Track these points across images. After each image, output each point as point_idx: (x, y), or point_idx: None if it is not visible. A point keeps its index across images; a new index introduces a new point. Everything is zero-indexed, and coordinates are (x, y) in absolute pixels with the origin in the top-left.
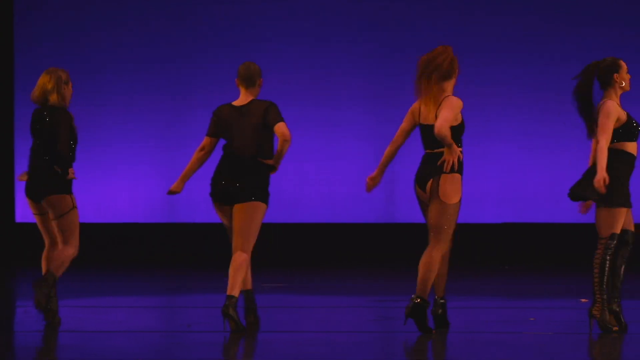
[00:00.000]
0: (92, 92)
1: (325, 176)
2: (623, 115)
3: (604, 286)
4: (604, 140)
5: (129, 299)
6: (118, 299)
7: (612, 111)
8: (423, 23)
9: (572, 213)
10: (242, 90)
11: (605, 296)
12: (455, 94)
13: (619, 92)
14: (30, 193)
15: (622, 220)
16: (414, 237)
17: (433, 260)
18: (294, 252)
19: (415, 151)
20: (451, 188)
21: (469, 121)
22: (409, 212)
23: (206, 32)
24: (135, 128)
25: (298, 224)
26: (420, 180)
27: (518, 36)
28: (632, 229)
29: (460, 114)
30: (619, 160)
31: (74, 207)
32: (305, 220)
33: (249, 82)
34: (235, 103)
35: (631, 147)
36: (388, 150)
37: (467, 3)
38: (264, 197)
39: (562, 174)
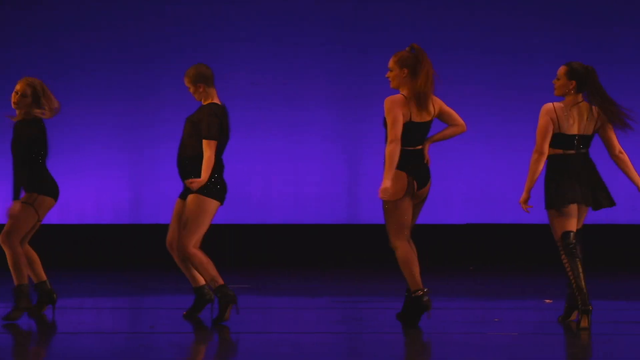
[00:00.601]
0: (57, 94)
1: (291, 177)
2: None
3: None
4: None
5: (95, 301)
6: (84, 300)
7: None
8: (388, 23)
9: (537, 214)
10: (215, 91)
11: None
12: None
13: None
14: None
15: (559, 220)
16: (378, 238)
17: (401, 254)
18: (260, 253)
19: (380, 152)
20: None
21: (434, 121)
22: (372, 213)
23: (172, 33)
24: (102, 130)
25: (264, 224)
26: (424, 180)
27: (485, 36)
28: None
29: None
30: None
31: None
32: (272, 221)
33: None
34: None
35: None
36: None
37: (432, 3)
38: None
39: (525, 174)
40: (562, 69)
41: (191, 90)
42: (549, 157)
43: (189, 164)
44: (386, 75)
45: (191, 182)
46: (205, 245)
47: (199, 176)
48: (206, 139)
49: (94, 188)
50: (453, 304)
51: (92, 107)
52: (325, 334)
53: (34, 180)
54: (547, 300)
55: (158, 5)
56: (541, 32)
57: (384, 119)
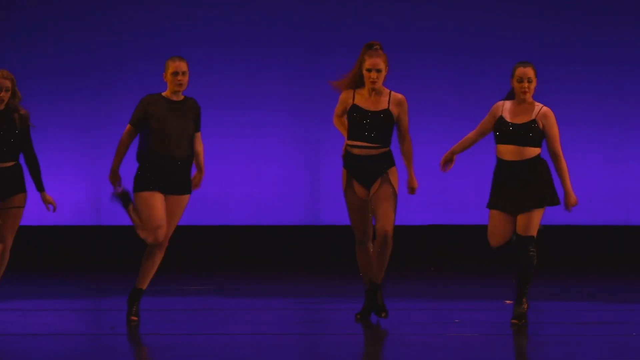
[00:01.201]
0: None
1: (251, 178)
2: (495, 118)
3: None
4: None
5: (55, 302)
6: (44, 302)
7: (488, 114)
8: (346, 24)
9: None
10: None
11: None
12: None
13: (519, 97)
14: None
15: (494, 224)
16: (338, 239)
17: (359, 255)
18: (220, 254)
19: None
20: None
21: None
22: (333, 214)
23: (129, 35)
24: (61, 131)
25: (224, 226)
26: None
27: (441, 36)
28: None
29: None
30: (497, 164)
31: None
32: (232, 223)
33: None
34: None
35: (498, 150)
36: None
37: (389, 3)
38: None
39: (487, 176)
40: (533, 71)
41: (187, 78)
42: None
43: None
44: (374, 76)
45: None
46: (168, 247)
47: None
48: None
49: (54, 190)
50: (413, 305)
51: (51, 109)
52: (286, 335)
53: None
54: (508, 302)
55: (116, 6)
56: (503, 31)
57: (396, 117)
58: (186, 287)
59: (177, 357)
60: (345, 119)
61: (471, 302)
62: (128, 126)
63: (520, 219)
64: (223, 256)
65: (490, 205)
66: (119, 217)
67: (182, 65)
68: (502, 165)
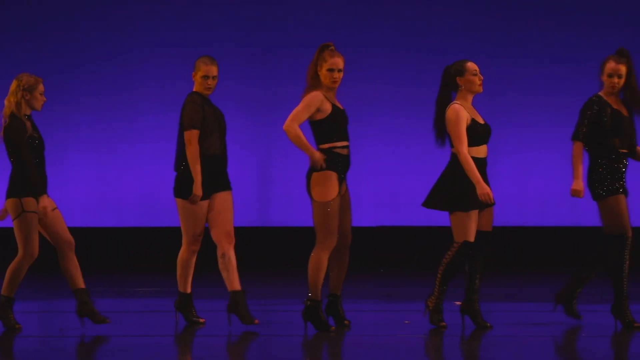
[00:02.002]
0: None
1: None
2: (468, 118)
3: (444, 284)
4: (464, 148)
5: None
6: None
7: (459, 116)
8: (301, 25)
9: (446, 216)
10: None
11: (444, 288)
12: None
13: (469, 95)
14: None
15: (474, 222)
16: (288, 240)
17: (319, 260)
18: (170, 256)
19: (293, 152)
20: (316, 186)
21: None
22: (283, 216)
23: (81, 37)
24: None
25: (175, 227)
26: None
27: (391, 37)
28: (489, 229)
29: (323, 107)
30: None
31: (24, 211)
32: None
33: None
34: None
35: (475, 150)
36: None
37: (337, 4)
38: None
39: (435, 177)
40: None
41: (216, 82)
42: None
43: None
44: (337, 76)
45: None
46: (118, 249)
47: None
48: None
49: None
50: (363, 306)
51: None
52: (239, 336)
53: None
54: (457, 303)
55: (69, 8)
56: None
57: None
58: (137, 289)
59: (127, 359)
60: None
61: (421, 304)
62: (194, 131)
63: (485, 215)
64: (174, 258)
65: (475, 205)
66: (69, 218)
67: (214, 70)
68: (479, 164)
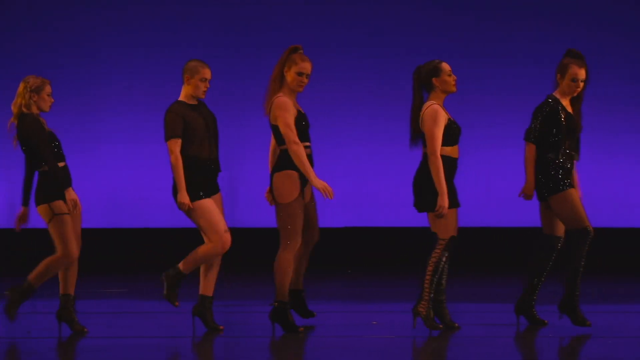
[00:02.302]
0: None
1: (167, 181)
2: (445, 119)
3: (434, 286)
4: (437, 150)
5: None
6: None
7: (439, 117)
8: (258, 27)
9: (413, 217)
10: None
11: (432, 295)
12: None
13: (442, 95)
14: None
15: (455, 219)
16: (255, 241)
17: (285, 262)
18: (135, 257)
19: (261, 155)
20: (281, 187)
21: (315, 121)
22: (250, 216)
23: (43, 38)
24: None
25: (141, 229)
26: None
27: (357, 37)
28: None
29: (295, 111)
30: (443, 165)
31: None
32: (148, 226)
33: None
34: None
35: (451, 150)
36: None
37: (303, 6)
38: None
39: (404, 178)
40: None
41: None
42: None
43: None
44: (306, 81)
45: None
46: (82, 250)
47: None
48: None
49: None
50: (330, 307)
51: None
52: (202, 337)
53: None
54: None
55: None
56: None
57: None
58: (104, 290)
59: None
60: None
61: (388, 304)
62: (175, 140)
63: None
64: (141, 259)
65: (455, 204)
66: (32, 220)
67: (209, 72)
68: (453, 165)
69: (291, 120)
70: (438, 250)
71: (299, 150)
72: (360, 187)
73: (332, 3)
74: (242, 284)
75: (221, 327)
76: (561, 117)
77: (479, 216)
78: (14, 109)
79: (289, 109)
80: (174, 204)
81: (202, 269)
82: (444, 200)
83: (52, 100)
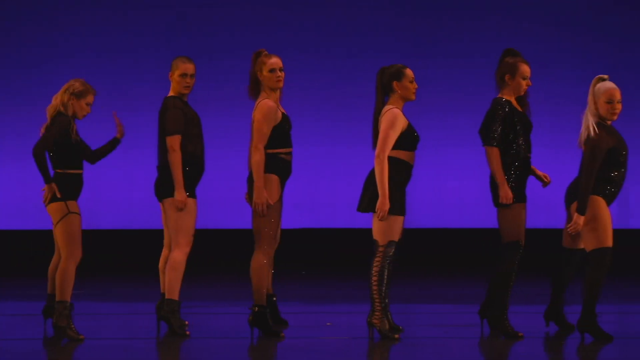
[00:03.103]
0: None
1: (123, 182)
2: (405, 124)
3: (383, 294)
4: (386, 154)
5: None
6: None
7: (397, 121)
8: (223, 28)
9: (364, 219)
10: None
11: (384, 304)
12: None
13: (401, 101)
14: None
15: (399, 227)
16: (213, 243)
17: (261, 265)
18: (91, 259)
19: (223, 156)
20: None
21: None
22: (211, 217)
23: (13, 40)
24: None
25: (96, 230)
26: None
27: (315, 39)
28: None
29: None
30: (396, 169)
31: (69, 213)
32: (103, 227)
33: None
34: None
35: (407, 156)
36: None
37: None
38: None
39: (357, 180)
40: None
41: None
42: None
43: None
44: (282, 76)
45: None
46: (38, 252)
47: None
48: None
49: None
50: (285, 309)
51: None
52: (160, 339)
53: None
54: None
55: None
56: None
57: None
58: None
59: None
60: None
61: (342, 306)
62: (177, 136)
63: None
64: (94, 260)
65: (402, 212)
66: (4, 221)
67: (191, 68)
68: (408, 171)
69: (265, 127)
70: (379, 259)
71: (258, 157)
72: (317, 188)
73: (289, 5)
74: (202, 285)
75: (186, 323)
76: (515, 119)
77: (433, 217)
78: (52, 105)
79: (268, 114)
80: (128, 204)
81: (161, 269)
82: (384, 204)
83: (89, 110)
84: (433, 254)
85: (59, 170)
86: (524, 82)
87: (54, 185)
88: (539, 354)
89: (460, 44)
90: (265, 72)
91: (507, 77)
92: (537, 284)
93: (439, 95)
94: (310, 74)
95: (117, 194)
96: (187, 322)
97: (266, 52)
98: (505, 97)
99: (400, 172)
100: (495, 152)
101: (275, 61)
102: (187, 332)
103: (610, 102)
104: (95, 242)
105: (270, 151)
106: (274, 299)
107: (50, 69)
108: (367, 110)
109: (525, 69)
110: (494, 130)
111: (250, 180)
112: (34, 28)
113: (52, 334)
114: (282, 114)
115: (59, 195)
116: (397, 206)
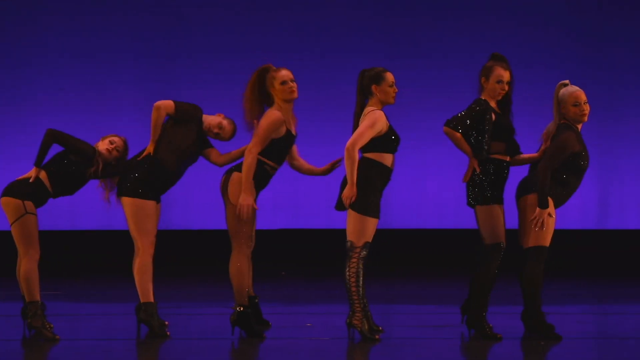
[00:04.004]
0: None
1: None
2: (385, 126)
3: (362, 295)
4: (357, 146)
5: None
6: None
7: (377, 123)
8: (196, 30)
9: (343, 219)
10: None
11: (363, 305)
12: None
13: (380, 104)
14: None
15: (374, 229)
16: (188, 243)
17: (240, 266)
18: (70, 259)
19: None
20: (236, 188)
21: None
22: (184, 219)
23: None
24: None
25: (74, 231)
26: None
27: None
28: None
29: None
30: (375, 171)
31: (26, 213)
32: (82, 228)
33: None
34: None
35: (386, 158)
36: None
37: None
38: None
39: (336, 181)
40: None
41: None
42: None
43: None
44: (294, 86)
45: None
46: (13, 254)
47: None
48: None
49: None
50: (265, 309)
51: None
52: (138, 340)
53: None
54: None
55: None
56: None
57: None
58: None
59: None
60: None
61: (322, 306)
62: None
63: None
64: (71, 261)
65: (377, 215)
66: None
67: (288, 74)
68: (386, 174)
69: (265, 134)
70: (355, 260)
71: (250, 160)
72: (296, 189)
73: (271, 7)
74: (178, 286)
75: (166, 323)
76: (490, 118)
77: (414, 218)
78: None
79: (273, 123)
80: (105, 205)
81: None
82: (351, 191)
83: (112, 148)
84: (414, 255)
85: (52, 169)
86: (498, 86)
87: (40, 171)
88: (518, 356)
89: (439, 44)
90: (277, 86)
91: (483, 80)
92: (517, 284)
93: (419, 96)
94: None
95: (96, 195)
96: (167, 323)
97: (273, 67)
98: (484, 99)
99: (379, 174)
100: (452, 132)
101: (285, 73)
102: (167, 333)
103: (576, 104)
104: (75, 242)
105: (259, 157)
106: (256, 300)
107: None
108: (347, 111)
109: (500, 72)
110: (458, 117)
111: (227, 178)
112: (25, 29)
113: (29, 335)
114: (287, 130)
115: (31, 180)
116: (373, 208)
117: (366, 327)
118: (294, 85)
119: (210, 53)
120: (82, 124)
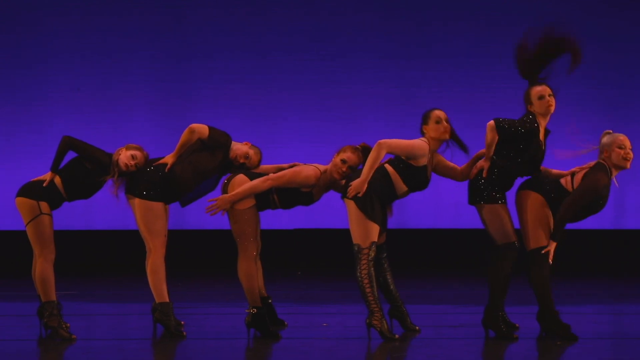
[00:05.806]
0: None
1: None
2: (421, 160)
3: (376, 295)
4: (389, 145)
5: None
6: None
7: (416, 149)
8: (208, 33)
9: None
10: None
11: (380, 305)
12: None
13: (434, 142)
14: None
15: (376, 231)
16: (208, 244)
17: (248, 268)
18: (85, 259)
19: None
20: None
21: (264, 123)
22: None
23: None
24: None
25: (92, 230)
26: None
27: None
28: (383, 240)
29: None
30: (385, 185)
31: (41, 214)
32: (99, 227)
33: None
34: None
35: (401, 187)
36: None
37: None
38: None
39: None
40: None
41: None
42: None
43: None
44: (346, 168)
45: None
46: (28, 254)
47: None
48: None
49: None
50: (280, 310)
51: None
52: (152, 339)
53: None
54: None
55: None
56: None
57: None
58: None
59: None
60: None
61: (338, 306)
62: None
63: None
64: (86, 261)
65: (377, 221)
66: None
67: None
68: (393, 198)
69: (290, 183)
70: (364, 262)
71: (264, 187)
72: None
73: (286, 7)
74: (193, 286)
75: (182, 323)
76: (536, 148)
77: (430, 218)
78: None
79: (304, 181)
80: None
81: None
82: (361, 186)
83: (131, 163)
84: (429, 254)
85: (66, 175)
86: (541, 102)
87: (55, 176)
88: (533, 356)
89: (449, 45)
90: (337, 161)
91: (528, 107)
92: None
93: (436, 96)
94: (295, 75)
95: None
96: (183, 322)
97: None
98: (537, 116)
99: (387, 191)
100: (494, 133)
101: (349, 156)
102: (184, 333)
103: (622, 147)
104: (91, 242)
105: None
106: (270, 301)
107: (44, 69)
108: (352, 111)
109: (537, 89)
110: (509, 121)
111: (227, 182)
112: (39, 29)
113: (46, 335)
114: (311, 189)
115: (45, 184)
116: (374, 213)
117: (386, 327)
118: (345, 170)
119: (224, 53)
120: (96, 124)
